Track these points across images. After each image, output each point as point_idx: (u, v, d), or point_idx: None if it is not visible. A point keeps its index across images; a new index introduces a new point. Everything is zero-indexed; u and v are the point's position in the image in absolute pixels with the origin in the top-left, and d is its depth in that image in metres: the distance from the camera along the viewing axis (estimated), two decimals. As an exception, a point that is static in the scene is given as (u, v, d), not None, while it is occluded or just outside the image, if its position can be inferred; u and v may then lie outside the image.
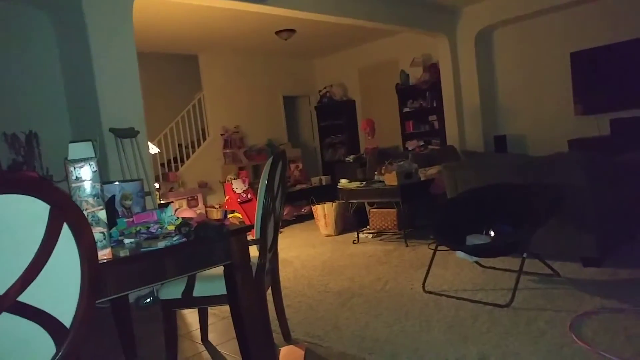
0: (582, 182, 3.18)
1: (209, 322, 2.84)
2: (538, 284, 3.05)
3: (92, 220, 1.46)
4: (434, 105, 7.54)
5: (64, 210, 1.20)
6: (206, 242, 1.71)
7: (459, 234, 3.18)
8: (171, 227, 1.82)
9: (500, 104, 7.19)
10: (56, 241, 1.19)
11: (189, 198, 6.25)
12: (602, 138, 5.86)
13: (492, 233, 3.16)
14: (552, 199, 3.00)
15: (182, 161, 7.65)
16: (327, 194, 6.36)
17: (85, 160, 1.53)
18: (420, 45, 7.68)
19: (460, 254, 3.18)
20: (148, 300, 3.60)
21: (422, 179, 4.88)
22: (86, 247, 1.25)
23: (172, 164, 7.55)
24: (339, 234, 5.47)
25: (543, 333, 2.32)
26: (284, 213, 6.43)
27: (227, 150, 7.85)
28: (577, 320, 2.42)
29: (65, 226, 1.21)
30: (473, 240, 3.10)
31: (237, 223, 2.41)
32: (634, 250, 3.50)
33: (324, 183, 7.06)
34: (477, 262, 3.50)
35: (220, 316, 3.09)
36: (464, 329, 2.49)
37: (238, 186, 6.06)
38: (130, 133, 3.87)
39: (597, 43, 6.06)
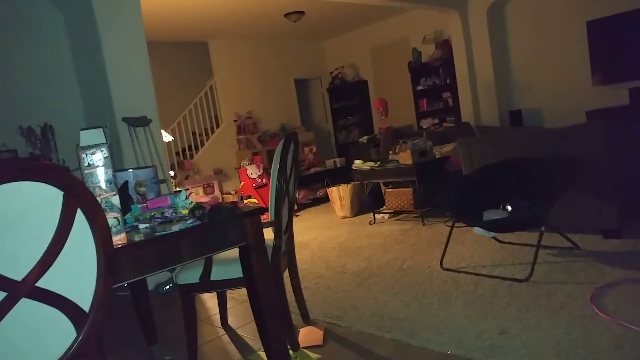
0: (600, 152, 3.10)
1: (228, 306, 2.88)
2: (557, 257, 3.01)
3: (105, 205, 1.47)
4: (448, 82, 7.41)
5: (77, 195, 1.21)
6: (220, 224, 1.71)
7: (476, 210, 3.14)
8: (185, 211, 1.83)
9: (515, 78, 7.03)
10: (71, 226, 1.21)
11: (205, 185, 6.29)
12: (621, 108, 5.69)
13: (509, 208, 3.12)
14: (569, 171, 2.94)
15: (197, 149, 7.70)
16: (341, 176, 6.34)
17: (96, 146, 1.54)
18: (431, 22, 7.53)
19: (477, 230, 3.16)
20: (167, 287, 3.66)
21: (437, 156, 4.83)
22: (100, 232, 1.26)
23: (187, 152, 7.60)
24: (355, 216, 5.46)
25: (563, 306, 2.29)
26: (299, 196, 6.44)
27: (241, 136, 7.86)
28: (598, 292, 2.38)
29: (79, 212, 1.23)
30: (490, 215, 3.06)
31: (258, 206, 2.41)
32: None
33: (338, 165, 7.04)
34: (494, 238, 3.46)
35: (239, 300, 3.12)
36: (483, 304, 2.48)
37: (253, 171, 6.08)
38: (143, 122, 3.89)
39: (613, 11, 5.86)
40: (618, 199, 3.12)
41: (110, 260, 1.28)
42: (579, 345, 1.91)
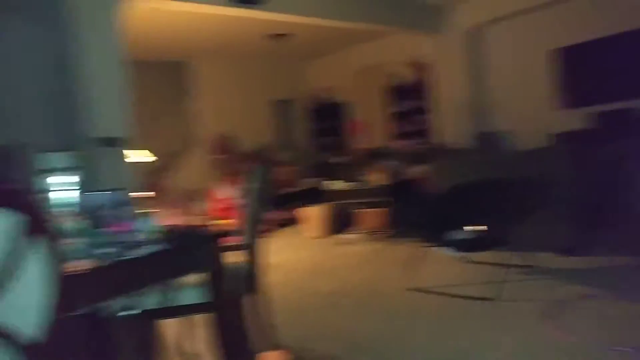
0: (564, 174, 3.23)
1: (193, 332, 2.82)
2: (521, 275, 3.10)
3: (72, 230, 1.46)
4: (422, 104, 7.58)
5: (33, 220, 1.20)
6: (186, 248, 1.71)
7: (445, 230, 3.21)
8: (152, 235, 1.82)
9: (488, 101, 7.23)
10: (24, 253, 1.19)
11: (176, 206, 6.21)
12: (585, 131, 5.91)
13: (477, 228, 3.18)
14: (535, 192, 3.03)
15: (170, 169, 7.62)
16: (317, 196, 6.35)
17: (65, 169, 1.54)
18: (408, 46, 7.70)
19: (446, 250, 3.21)
20: (129, 312, 3.56)
21: (410, 177, 4.90)
22: (57, 259, 1.24)
23: (160, 173, 7.52)
24: (328, 236, 5.47)
25: (524, 323, 2.36)
26: (273, 217, 6.42)
27: (216, 156, 7.82)
28: (556, 308, 2.46)
29: (37, 236, 1.21)
30: (458, 235, 3.12)
31: (224, 229, 2.42)
32: (608, 239, 3.55)
33: (314, 185, 7.05)
34: (463, 257, 3.52)
35: (204, 325, 3.07)
36: (450, 324, 2.52)
37: (226, 192, 6.04)
38: (116, 142, 3.85)
39: (578, 39, 6.13)
40: (577, 219, 3.24)
41: (66, 289, 1.27)
42: (540, 365, 1.96)
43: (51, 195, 1.52)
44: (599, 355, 1.93)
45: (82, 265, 1.46)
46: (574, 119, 6.20)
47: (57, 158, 1.83)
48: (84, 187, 3.39)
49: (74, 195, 1.53)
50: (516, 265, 3.22)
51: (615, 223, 3.70)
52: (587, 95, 6.14)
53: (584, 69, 6.17)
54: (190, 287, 2.11)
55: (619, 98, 5.84)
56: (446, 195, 3.57)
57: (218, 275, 1.80)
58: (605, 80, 5.97)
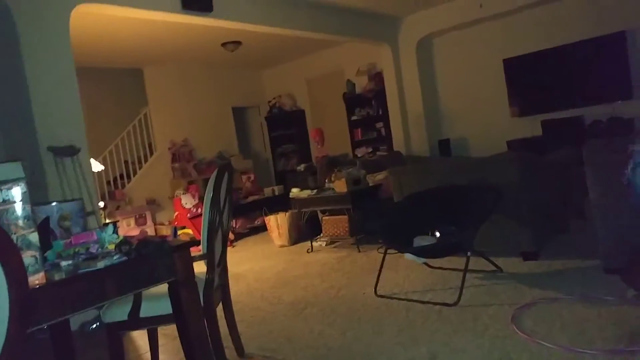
0: (517, 180, 3.36)
1: (160, 344, 2.75)
2: (483, 280, 3.18)
3: (22, 243, 1.39)
4: (380, 112, 7.72)
5: (-12, 235, 1.15)
6: (148, 259, 1.67)
7: (407, 236, 3.27)
8: (111, 246, 1.77)
9: (443, 110, 7.46)
10: (-19, 268, 1.14)
11: (137, 216, 6.06)
12: (535, 138, 6.20)
13: (438, 234, 3.27)
14: (490, 198, 3.14)
15: (129, 178, 7.42)
16: (280, 204, 6.34)
17: (13, 181, 1.47)
18: (364, 55, 7.85)
19: (408, 256, 3.27)
20: (94, 325, 3.45)
21: (370, 184, 4.98)
22: (14, 273, 1.19)
23: (119, 181, 7.31)
24: (293, 244, 5.47)
25: (487, 327, 2.42)
26: (237, 226, 6.36)
27: (176, 164, 7.68)
28: (518, 312, 2.54)
29: (-10, 252, 1.16)
30: (420, 241, 3.19)
31: (188, 239, 2.37)
32: (566, 242, 3.71)
33: (276, 193, 7.04)
34: (425, 263, 3.60)
35: (171, 336, 3.00)
36: (414, 329, 2.56)
37: (187, 201, 5.94)
38: (70, 151, 3.72)
39: (526, 50, 6.44)
40: (533, 223, 3.37)
41: (25, 303, 1.22)
42: (501, 365, 2.02)
43: (1, 207, 1.45)
44: (563, 357, 2.00)
45: (40, 278, 1.40)
46: (525, 127, 6.49)
47: (7, 169, 1.75)
48: (38, 198, 3.26)
49: (26, 206, 1.47)
50: (479, 270, 3.32)
51: (570, 226, 3.90)
52: (535, 104, 6.44)
53: (531, 79, 6.48)
54: (156, 298, 2.06)
55: (565, 106, 6.16)
56: (406, 202, 3.65)
57: (183, 286, 1.77)
58: (552, 89, 6.29)
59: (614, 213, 2.76)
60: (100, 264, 1.57)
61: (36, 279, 1.40)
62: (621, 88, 5.67)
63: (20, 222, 1.44)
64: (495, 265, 3.28)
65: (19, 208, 1.45)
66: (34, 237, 1.45)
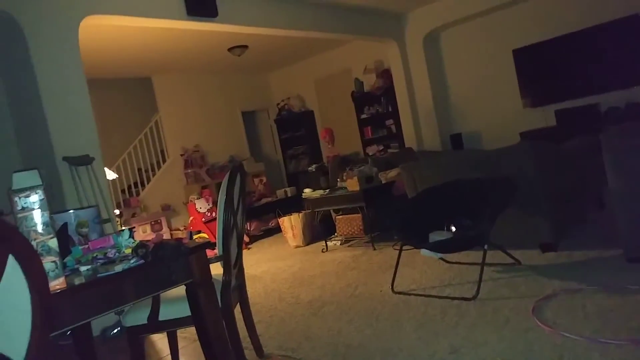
0: (532, 170, 3.31)
1: (180, 346, 2.77)
2: (501, 273, 3.14)
3: (42, 250, 1.41)
4: (390, 109, 7.69)
5: (8, 241, 1.16)
6: (164, 262, 1.68)
7: (422, 232, 3.24)
8: (128, 251, 1.79)
9: (453, 104, 7.40)
10: (1, 275, 1.15)
11: (153, 222, 6.11)
12: (549, 128, 6.12)
13: (453, 228, 3.24)
14: (505, 190, 3.11)
15: (143, 185, 7.49)
16: (293, 205, 6.35)
17: (31, 188, 1.49)
18: (371, 53, 7.83)
19: (424, 252, 3.24)
20: (115, 331, 3.49)
21: (383, 182, 4.95)
22: (36, 278, 1.21)
23: (133, 189, 7.39)
24: (307, 244, 5.47)
25: (508, 320, 2.39)
26: (251, 228, 6.38)
27: (189, 170, 7.74)
28: (539, 304, 2.50)
29: (11, 258, 1.17)
30: (435, 237, 3.16)
31: (205, 242, 2.38)
32: (585, 232, 3.65)
33: (289, 195, 7.05)
34: (442, 259, 3.57)
35: (191, 339, 3.02)
36: (434, 325, 2.53)
37: (202, 205, 5.98)
38: (84, 160, 3.77)
39: (535, 39, 6.35)
40: (551, 214, 3.32)
41: (47, 308, 1.23)
42: (523, 358, 1.99)
43: (20, 214, 1.47)
44: (587, 348, 1.97)
45: (60, 283, 1.42)
46: (539, 118, 6.41)
47: (25, 177, 1.78)
48: (55, 207, 3.30)
49: (44, 213, 1.49)
50: (497, 264, 3.29)
51: (589, 216, 3.83)
52: (547, 94, 6.36)
53: (542, 68, 6.39)
54: (174, 300, 2.07)
55: (579, 94, 6.06)
56: (420, 198, 3.62)
57: (201, 287, 1.77)
58: (564, 77, 6.19)
59: (635, 200, 2.71)
60: (118, 268, 1.59)
61: (57, 284, 1.41)
62: (638, 73, 5.56)
63: (39, 229, 1.45)
64: (514, 258, 3.24)
65: (37, 215, 1.47)
66: (53, 242, 1.46)
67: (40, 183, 1.56)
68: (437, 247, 3.15)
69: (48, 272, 1.37)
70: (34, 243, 1.39)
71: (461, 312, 2.63)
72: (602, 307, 2.33)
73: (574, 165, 3.81)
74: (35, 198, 1.48)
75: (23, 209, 1.45)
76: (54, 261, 1.43)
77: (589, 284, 2.65)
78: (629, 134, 2.70)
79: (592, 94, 5.93)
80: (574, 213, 3.77)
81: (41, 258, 1.35)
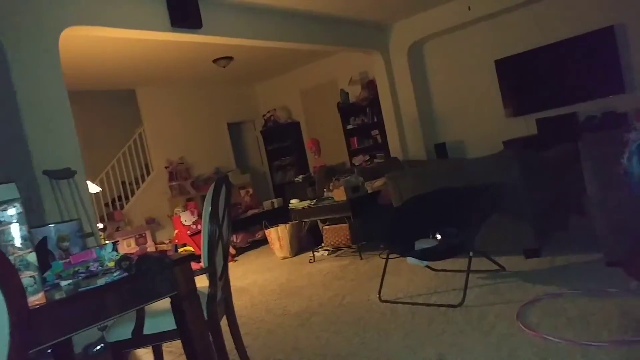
0: (516, 178, 3.35)
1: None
2: (486, 280, 3.16)
3: (20, 264, 1.39)
4: (375, 120, 7.74)
5: (-14, 256, 1.14)
6: (148, 274, 1.66)
7: (408, 240, 3.26)
8: (111, 264, 1.76)
9: (437, 113, 7.48)
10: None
11: (137, 236, 6.04)
12: (531, 137, 6.22)
13: (439, 236, 3.26)
14: (488, 197, 3.14)
15: (127, 199, 7.42)
16: (280, 216, 6.32)
17: (8, 202, 1.47)
18: (356, 64, 7.90)
19: (411, 260, 3.24)
20: (98, 347, 3.42)
21: (369, 191, 4.97)
22: (13, 294, 1.19)
23: (117, 203, 7.30)
24: (295, 255, 5.44)
25: (493, 326, 2.40)
26: (238, 240, 6.34)
27: (173, 183, 7.68)
28: (523, 309, 2.53)
29: (-12, 273, 1.15)
30: (421, 245, 3.18)
31: (190, 254, 2.36)
32: (567, 238, 3.70)
33: (276, 206, 7.02)
34: (428, 266, 3.58)
35: (177, 353, 2.98)
36: (421, 332, 2.54)
37: (187, 218, 5.93)
38: (66, 174, 3.72)
39: (517, 50, 6.48)
40: (535, 221, 3.36)
41: (25, 325, 1.20)
42: (510, 363, 2.00)
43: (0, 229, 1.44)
44: (570, 351, 1.99)
45: (39, 299, 1.39)
46: (521, 126, 6.51)
47: (2, 190, 1.75)
48: (35, 221, 3.24)
49: (22, 227, 1.46)
50: (482, 270, 3.31)
51: (570, 223, 3.89)
52: (529, 103, 6.47)
53: (523, 78, 6.51)
54: (159, 314, 2.04)
55: (559, 104, 6.19)
56: (406, 207, 3.64)
57: (186, 299, 1.75)
58: (545, 87, 6.32)
59: (612, 205, 2.76)
60: (101, 281, 1.56)
61: (35, 300, 1.39)
62: (613, 82, 5.70)
63: (17, 243, 1.43)
64: (498, 265, 3.27)
65: (15, 229, 1.44)
66: (32, 257, 1.44)
67: (18, 196, 1.53)
68: (423, 255, 3.16)
69: (26, 288, 1.35)
70: (11, 258, 1.36)
71: (448, 319, 2.64)
72: (583, 310, 2.37)
73: (555, 172, 3.88)
74: (13, 212, 1.45)
75: (0, 222, 1.43)
76: (32, 276, 1.40)
77: (571, 288, 2.69)
78: (606, 142, 2.76)
79: (570, 103, 6.06)
80: (556, 219, 3.82)
81: (19, 273, 1.33)
